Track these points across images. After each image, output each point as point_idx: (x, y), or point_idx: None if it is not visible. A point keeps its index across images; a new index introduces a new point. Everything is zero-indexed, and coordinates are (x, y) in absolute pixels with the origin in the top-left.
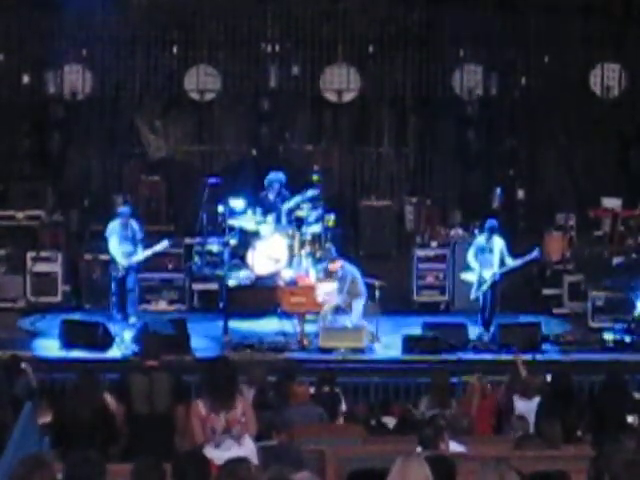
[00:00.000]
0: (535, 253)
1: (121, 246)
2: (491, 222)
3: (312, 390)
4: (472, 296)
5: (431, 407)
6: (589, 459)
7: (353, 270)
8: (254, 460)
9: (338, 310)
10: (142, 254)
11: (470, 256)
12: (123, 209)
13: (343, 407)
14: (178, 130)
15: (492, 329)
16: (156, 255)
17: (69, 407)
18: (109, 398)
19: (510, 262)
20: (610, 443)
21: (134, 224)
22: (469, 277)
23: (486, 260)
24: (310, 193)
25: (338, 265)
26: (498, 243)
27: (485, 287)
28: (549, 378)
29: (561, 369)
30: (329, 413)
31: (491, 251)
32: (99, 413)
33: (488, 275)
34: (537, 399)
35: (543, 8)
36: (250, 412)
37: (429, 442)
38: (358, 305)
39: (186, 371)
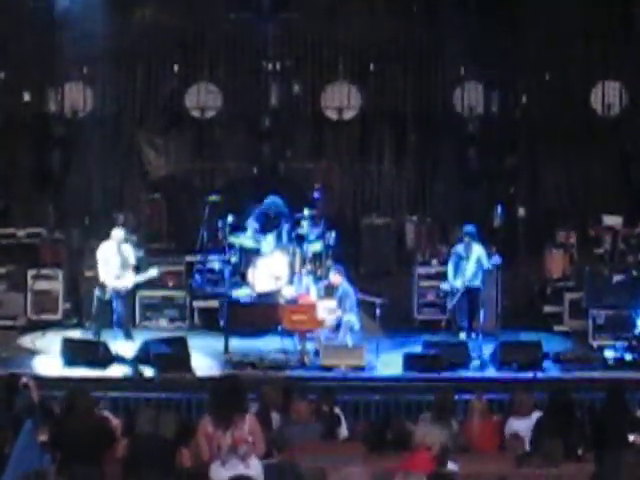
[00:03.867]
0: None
1: (111, 269)
2: (468, 228)
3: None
4: (449, 306)
5: (431, 425)
6: (589, 477)
7: (349, 290)
8: None
9: (337, 328)
10: (130, 280)
11: (449, 265)
12: (116, 231)
13: (344, 429)
14: (179, 148)
15: (493, 346)
16: None
17: (67, 424)
18: (113, 419)
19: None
20: (611, 461)
21: (128, 248)
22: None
23: (462, 269)
24: (307, 212)
25: (340, 279)
26: (476, 251)
27: (458, 296)
28: (549, 396)
29: (562, 387)
30: (327, 433)
31: (468, 259)
32: (98, 430)
33: (459, 284)
34: (534, 417)
35: (544, 26)
36: (258, 432)
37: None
38: (346, 322)
39: (186, 389)
